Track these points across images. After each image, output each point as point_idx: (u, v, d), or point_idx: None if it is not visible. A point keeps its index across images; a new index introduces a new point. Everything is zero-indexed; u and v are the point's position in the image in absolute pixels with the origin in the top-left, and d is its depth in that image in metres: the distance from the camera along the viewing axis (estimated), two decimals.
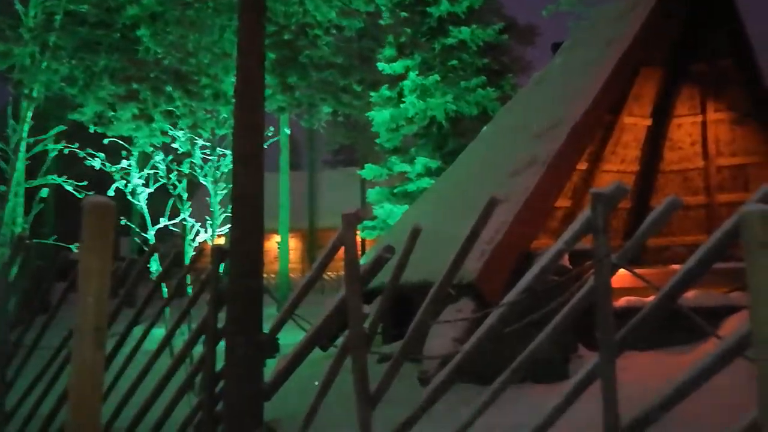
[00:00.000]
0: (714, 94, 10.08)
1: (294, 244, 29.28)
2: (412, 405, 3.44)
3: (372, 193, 15.45)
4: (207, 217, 11.52)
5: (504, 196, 6.08)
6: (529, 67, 17.47)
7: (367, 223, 16.09)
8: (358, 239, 21.32)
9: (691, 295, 6.01)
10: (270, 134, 11.72)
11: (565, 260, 4.89)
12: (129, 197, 11.98)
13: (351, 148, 33.91)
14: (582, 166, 10.08)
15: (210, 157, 11.28)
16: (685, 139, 10.68)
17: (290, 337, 4.81)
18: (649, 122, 10.51)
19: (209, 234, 11.61)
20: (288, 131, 16.47)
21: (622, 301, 5.31)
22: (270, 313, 5.34)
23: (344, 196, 26.02)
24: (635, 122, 10.37)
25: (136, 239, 13.67)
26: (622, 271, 2.72)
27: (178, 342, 5.57)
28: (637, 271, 2.65)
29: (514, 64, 16.99)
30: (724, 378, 2.54)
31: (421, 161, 14.20)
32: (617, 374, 4.93)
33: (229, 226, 7.21)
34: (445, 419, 3.82)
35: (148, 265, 9.14)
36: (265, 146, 12.80)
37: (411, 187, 14.41)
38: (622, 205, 10.66)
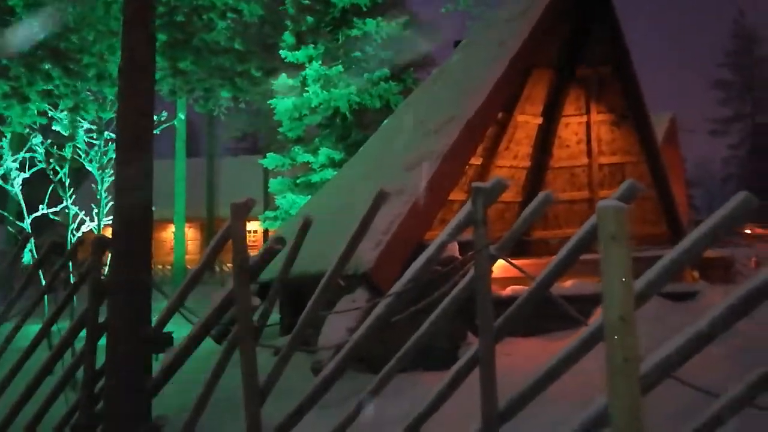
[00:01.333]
0: (596, 96, 10.84)
1: (193, 234, 28.15)
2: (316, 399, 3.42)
3: (274, 183, 15.19)
4: (93, 206, 10.76)
5: (400, 188, 6.21)
6: (431, 63, 17.90)
7: (269, 213, 15.81)
8: (261, 230, 20.90)
9: (569, 284, 6.47)
10: (164, 119, 11.13)
11: (456, 250, 5.07)
12: (1, 183, 10.95)
13: (254, 136, 33.09)
14: (477, 161, 10.48)
15: (96, 142, 10.51)
16: (572, 137, 11.41)
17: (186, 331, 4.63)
18: (540, 121, 11.11)
19: (95, 223, 10.86)
20: (183, 116, 15.77)
21: (508, 290, 5.61)
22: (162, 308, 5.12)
23: (246, 185, 25.35)
24: (527, 120, 10.93)
25: (11, 228, 12.53)
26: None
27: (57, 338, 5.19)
28: (524, 261, 2.81)
29: (417, 58, 17.31)
30: (590, 362, 2.74)
31: (325, 152, 14.14)
32: (503, 360, 5.20)
33: None
34: (339, 409, 3.85)
35: (22, 257, 8.42)
36: (158, 132, 12.22)
37: (314, 177, 14.33)
38: (515, 199, 11.24)
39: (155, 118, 12.32)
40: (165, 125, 11.10)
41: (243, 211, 3.22)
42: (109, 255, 4.71)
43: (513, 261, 2.84)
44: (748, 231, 21.18)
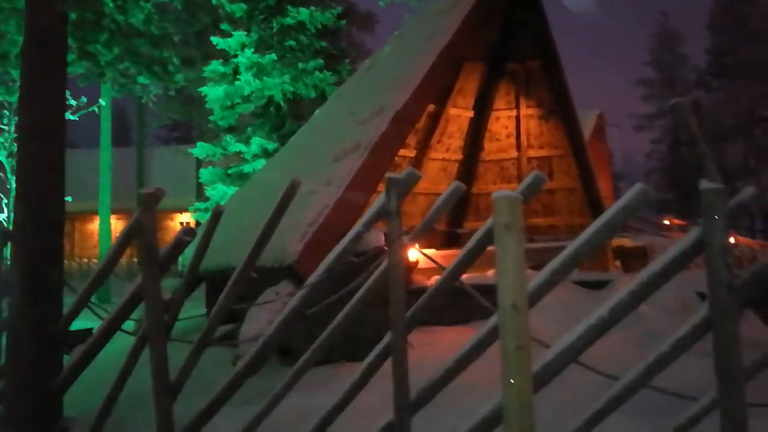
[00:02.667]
0: (525, 91, 11.12)
1: (121, 226, 26.95)
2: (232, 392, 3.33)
3: (205, 173, 14.75)
4: (2, 196, 10.10)
5: (328, 179, 6.14)
6: (367, 54, 17.84)
7: (199, 204, 15.37)
8: (192, 222, 20.31)
9: (491, 274, 6.61)
10: (83, 105, 10.54)
11: (382, 241, 5.06)
12: None
13: (188, 125, 32.01)
14: (411, 153, 10.55)
15: (5, 127, 9.84)
16: (502, 131, 11.67)
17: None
18: (471, 114, 11.29)
19: (5, 215, 10.19)
20: (105, 103, 15.01)
21: (432, 280, 5.67)
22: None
23: (178, 176, 24.53)
24: (459, 114, 11.08)
25: None
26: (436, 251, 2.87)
27: None
28: (454, 252, 2.81)
29: (353, 49, 17.22)
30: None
31: (258, 142, 13.85)
32: (425, 349, 5.25)
33: None
34: (261, 405, 3.77)
35: None
36: (76, 118, 11.59)
37: (246, 168, 14.02)
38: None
39: (72, 103, 11.73)
40: (84, 111, 10.51)
41: (151, 201, 3.08)
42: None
43: (452, 251, 2.85)
44: (666, 222, 22.40)
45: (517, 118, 11.40)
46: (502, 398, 1.64)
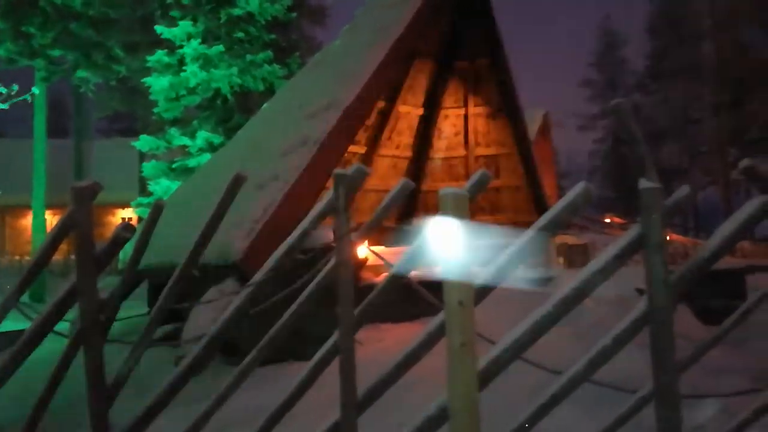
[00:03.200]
0: (474, 90, 11.28)
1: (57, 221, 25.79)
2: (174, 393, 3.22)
3: (147, 167, 14.24)
4: None
5: (275, 174, 6.03)
6: (318, 48, 17.66)
7: (142, 200, 14.86)
8: (135, 217, 19.61)
9: (438, 271, 6.66)
10: (14, 93, 9.94)
11: (330, 238, 5.01)
12: None
13: (130, 116, 30.87)
14: (361, 149, 10.53)
15: None
16: (451, 129, 11.80)
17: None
18: (421, 112, 11.36)
19: None
20: (38, 91, 14.25)
21: (381, 277, 5.65)
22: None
23: (120, 169, 23.65)
24: (409, 111, 11.13)
25: None
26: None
27: None
28: (397, 249, 2.80)
29: (303, 42, 17.01)
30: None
31: (203, 135, 13.48)
32: (375, 346, 5.24)
33: None
34: (205, 403, 3.66)
35: None
36: (6, 106, 10.94)
37: (191, 162, 13.63)
38: None
39: (2, 91, 11.05)
40: (15, 100, 9.93)
41: (86, 196, 2.93)
42: None
43: (402, 248, 2.83)
44: (608, 220, 23.22)
45: (466, 116, 11.55)
46: (448, 394, 1.64)
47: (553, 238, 10.05)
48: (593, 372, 2.45)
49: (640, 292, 6.45)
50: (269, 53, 13.90)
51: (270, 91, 13.65)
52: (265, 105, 9.75)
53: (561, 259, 10.45)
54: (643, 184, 2.24)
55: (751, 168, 2.21)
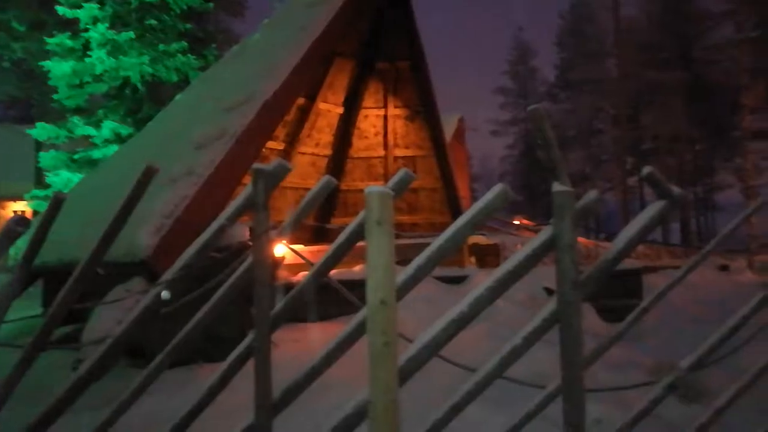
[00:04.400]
0: (393, 91, 11.39)
1: None
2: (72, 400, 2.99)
3: (46, 158, 13.24)
4: None
5: (188, 169, 5.79)
6: (235, 40, 17.17)
7: (38, 192, 13.82)
8: (29, 211, 18.19)
9: (358, 269, 6.69)
10: None
11: (247, 235, 4.87)
12: None
13: (27, 103, 28.59)
14: (279, 146, 10.34)
15: None
16: (371, 129, 11.85)
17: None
18: (341, 110, 11.32)
19: None
20: None
21: (299, 276, 5.58)
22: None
23: (12, 159, 21.84)
24: (329, 109, 11.06)
25: None
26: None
27: None
28: (323, 248, 2.74)
29: (220, 34, 16.49)
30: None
31: (110, 125, 12.73)
32: (289, 346, 5.15)
33: None
34: (107, 409, 3.44)
35: None
36: None
37: (96, 153, 12.83)
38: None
39: None
40: None
41: None
42: None
43: (320, 247, 2.78)
44: (517, 222, 24.21)
45: (385, 117, 11.65)
46: (368, 394, 1.62)
47: (466, 239, 10.33)
48: (505, 369, 2.52)
49: (549, 291, 6.76)
50: (184, 43, 13.36)
51: (184, 82, 13.13)
52: (178, 96, 9.34)
53: (473, 259, 10.77)
54: (557, 187, 2.33)
55: (651, 175, 2.36)
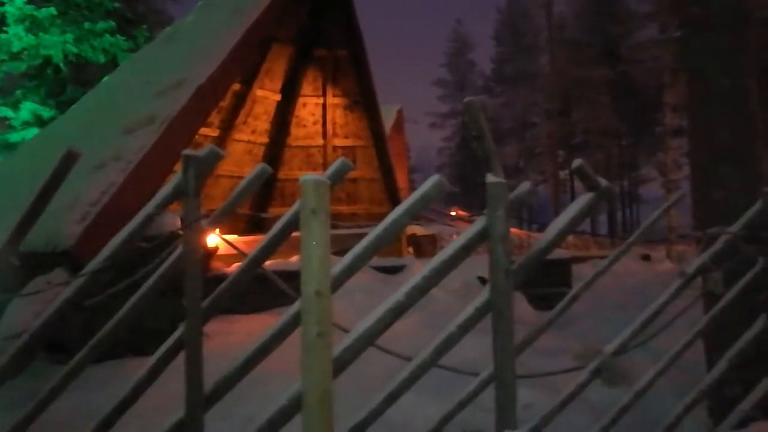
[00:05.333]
0: (332, 79, 11.28)
1: None
2: None
3: None
4: None
5: (116, 154, 5.53)
6: (168, 22, 16.52)
7: None
8: None
9: (294, 260, 6.61)
10: None
11: (178, 224, 4.71)
12: None
13: None
14: (214, 132, 10.05)
15: None
16: (309, 118, 11.70)
17: None
18: (278, 97, 11.12)
19: None
20: None
21: (233, 267, 5.45)
22: None
23: None
24: (266, 96, 10.83)
25: None
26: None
27: None
28: (251, 237, 2.67)
29: (152, 15, 15.81)
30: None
31: (29, 107, 11.99)
32: (222, 338, 5.04)
33: None
34: (26, 407, 3.25)
35: None
36: None
37: (14, 136, 12.06)
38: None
39: None
40: None
41: None
42: None
43: (256, 237, 2.70)
44: (453, 213, 24.66)
45: (324, 105, 11.53)
46: (302, 385, 1.60)
47: (403, 229, 10.43)
48: (439, 358, 2.55)
49: (482, 280, 6.93)
50: (112, 23, 12.73)
51: (112, 64, 12.51)
52: (106, 78, 8.89)
53: (410, 249, 10.89)
54: (490, 178, 2.37)
55: (580, 168, 2.44)
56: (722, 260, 2.88)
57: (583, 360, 2.62)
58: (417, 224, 12.05)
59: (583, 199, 2.54)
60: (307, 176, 1.66)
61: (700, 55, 3.80)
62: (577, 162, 2.46)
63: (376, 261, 7.77)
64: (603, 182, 2.50)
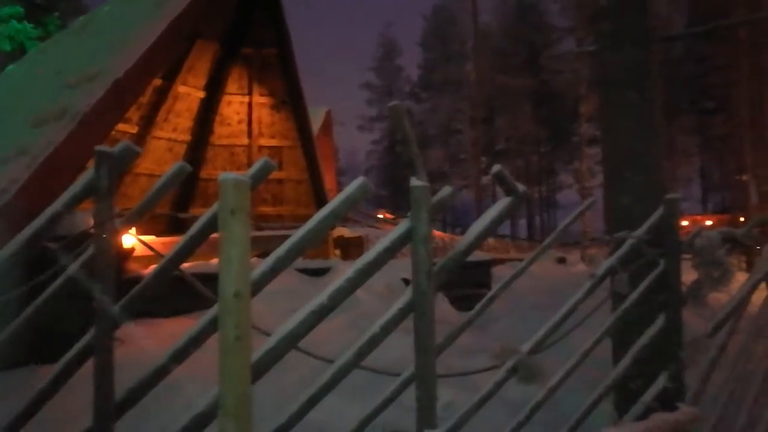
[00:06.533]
0: (259, 78, 11.09)
1: None
2: None
3: None
4: None
5: (22, 148, 5.18)
6: (82, 11, 15.64)
7: None
8: None
9: (215, 262, 6.42)
10: None
11: (90, 224, 4.47)
12: None
13: None
14: (132, 129, 9.62)
15: None
16: (234, 116, 11.44)
17: None
18: (202, 94, 10.80)
19: None
20: None
21: (150, 269, 5.24)
22: None
23: None
24: (189, 92, 10.49)
25: None
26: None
27: None
28: (171, 239, 2.55)
29: (64, 2, 14.95)
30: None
31: None
32: (139, 343, 4.83)
33: None
34: None
35: None
36: None
37: None
38: None
39: None
40: None
41: None
42: None
43: (177, 238, 2.59)
44: (381, 216, 24.89)
45: (250, 104, 11.32)
46: (219, 391, 1.56)
47: (330, 231, 10.42)
48: (362, 359, 2.56)
49: (406, 282, 7.02)
50: (19, 8, 11.92)
51: (20, 52, 11.72)
52: (11, 67, 8.31)
53: (337, 251, 10.87)
54: (414, 182, 2.41)
55: (499, 173, 2.53)
56: (628, 262, 3.07)
57: (500, 359, 2.70)
58: (345, 226, 12.05)
59: (501, 203, 2.63)
60: (227, 175, 1.62)
61: (610, 69, 4.04)
62: (496, 168, 2.55)
63: (302, 263, 7.70)
64: (520, 187, 2.59)
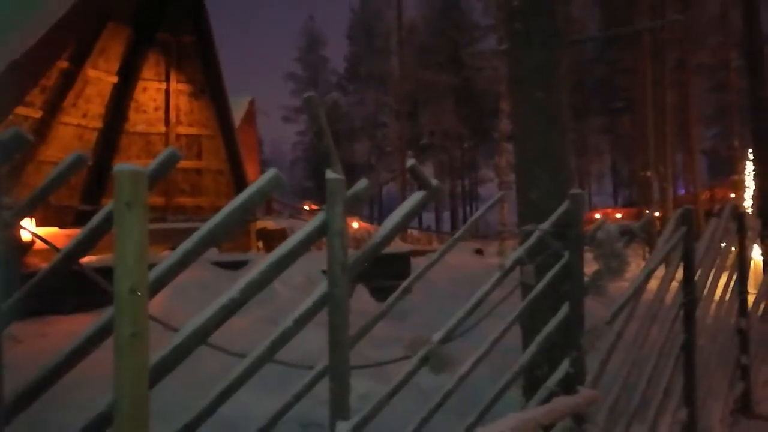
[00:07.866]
0: (177, 65, 10.68)
1: None
2: None
3: None
4: None
5: None
6: None
7: None
8: None
9: None
10: None
11: None
12: None
13: None
14: (36, 114, 9.01)
15: None
16: (150, 103, 10.96)
17: None
18: (115, 80, 10.28)
19: None
20: None
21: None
22: None
23: None
24: (100, 77, 9.95)
25: None
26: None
27: None
28: (77, 231, 2.39)
29: None
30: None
31: None
32: (36, 341, 4.56)
33: None
34: None
35: None
36: None
37: None
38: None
39: None
40: None
41: None
42: None
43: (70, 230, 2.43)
44: (306, 207, 24.69)
45: (167, 91, 10.89)
46: (114, 391, 1.50)
47: (253, 223, 10.21)
48: (275, 353, 2.54)
49: (326, 274, 7.02)
50: None
51: None
52: None
53: (260, 244, 10.69)
54: (329, 174, 2.40)
55: (413, 167, 2.57)
56: (535, 254, 3.20)
57: (411, 349, 2.75)
58: (268, 218, 11.86)
59: (415, 197, 2.68)
60: (122, 166, 1.56)
61: (520, 68, 4.19)
62: (410, 162, 2.59)
63: (219, 256, 7.50)
64: (434, 182, 2.65)
